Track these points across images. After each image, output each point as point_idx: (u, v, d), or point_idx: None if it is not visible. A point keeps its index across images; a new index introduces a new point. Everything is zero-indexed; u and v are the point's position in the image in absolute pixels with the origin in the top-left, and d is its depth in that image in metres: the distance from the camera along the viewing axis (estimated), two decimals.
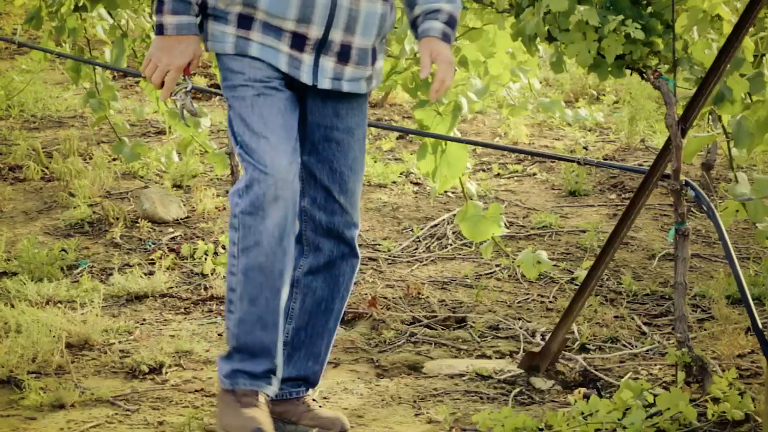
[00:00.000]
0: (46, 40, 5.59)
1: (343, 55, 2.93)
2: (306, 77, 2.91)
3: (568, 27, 3.18)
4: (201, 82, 7.56)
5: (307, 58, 2.90)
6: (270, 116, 2.89)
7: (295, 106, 2.95)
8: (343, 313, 3.17)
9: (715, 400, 3.07)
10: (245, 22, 2.88)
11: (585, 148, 6.31)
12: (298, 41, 2.88)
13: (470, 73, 3.93)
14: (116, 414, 3.26)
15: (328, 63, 2.92)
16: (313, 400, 3.16)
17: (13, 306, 3.97)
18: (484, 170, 5.95)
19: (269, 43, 2.88)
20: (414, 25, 3.03)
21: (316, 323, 3.11)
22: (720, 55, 3.02)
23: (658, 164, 3.20)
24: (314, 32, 2.88)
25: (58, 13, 5.31)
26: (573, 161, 3.81)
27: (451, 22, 2.98)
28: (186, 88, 2.90)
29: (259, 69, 2.88)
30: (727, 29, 3.13)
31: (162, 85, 2.88)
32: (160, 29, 2.87)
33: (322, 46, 2.90)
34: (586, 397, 3.25)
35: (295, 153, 2.90)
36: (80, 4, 5.21)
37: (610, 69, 3.18)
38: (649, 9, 3.15)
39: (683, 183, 3.11)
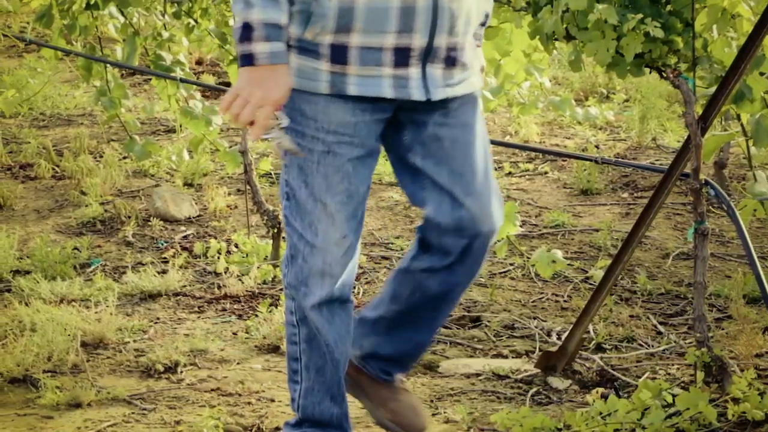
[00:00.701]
0: (57, 38, 5.58)
1: (450, 59, 2.65)
2: (417, 94, 2.62)
3: (586, 25, 3.16)
4: (210, 80, 7.55)
5: (414, 71, 2.61)
6: (334, 179, 2.62)
7: (366, 163, 2.68)
8: (457, 302, 2.93)
9: (735, 401, 3.06)
10: (340, 55, 2.57)
11: (597, 146, 6.30)
12: (402, 56, 2.59)
13: (486, 71, 3.91)
14: (133, 413, 3.25)
15: (436, 71, 2.64)
16: (402, 381, 2.99)
17: (27, 304, 3.96)
18: (495, 169, 5.93)
19: (370, 73, 2.58)
20: None
21: (421, 315, 2.89)
22: (740, 54, 3.00)
23: (677, 163, 3.19)
24: (418, 41, 2.59)
25: (70, 11, 5.30)
26: (591, 160, 3.80)
27: (485, 21, 2.79)
28: (281, 124, 2.56)
29: (335, 114, 2.61)
30: (747, 27, 3.11)
31: (251, 122, 2.52)
32: (248, 59, 2.50)
33: (427, 55, 2.61)
34: (604, 396, 3.25)
35: (351, 222, 2.67)
36: (92, 2, 5.20)
37: (629, 68, 3.16)
38: (669, 7, 3.14)
39: (703, 182, 3.09)
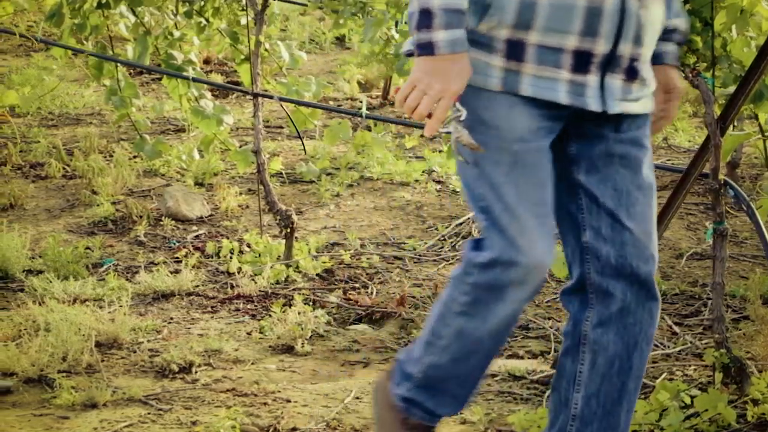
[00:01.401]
0: (67, 37, 5.57)
1: (632, 71, 2.45)
2: (594, 104, 2.42)
3: None
4: (218, 79, 7.54)
5: (592, 79, 2.41)
6: (528, 189, 2.42)
7: (550, 166, 2.48)
8: (643, 372, 2.57)
9: (755, 402, 3.05)
10: (516, 51, 2.39)
11: None
12: (582, 61, 2.39)
13: None
14: (149, 413, 3.24)
15: (615, 82, 2.44)
16: None
17: (41, 304, 3.95)
18: None
19: (546, 74, 2.39)
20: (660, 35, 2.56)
21: (610, 388, 2.54)
22: (760, 54, 2.99)
23: (696, 163, 3.18)
24: (601, 47, 2.39)
25: (81, 10, 5.30)
26: None
27: (682, 42, 2.60)
28: (460, 116, 2.38)
29: (518, 119, 2.41)
30: (766, 27, 3.10)
31: (429, 115, 2.35)
32: (428, 48, 2.33)
33: (608, 64, 2.42)
34: None
35: (551, 231, 2.47)
36: (103, 2, 5.20)
37: None
38: (688, 6, 3.12)
39: (722, 182, 3.08)
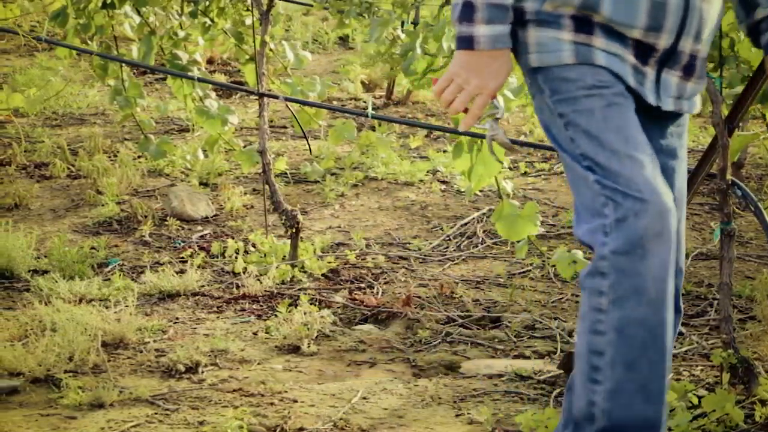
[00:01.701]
0: (72, 38, 5.58)
1: (689, 68, 2.41)
2: (651, 96, 2.38)
3: None
4: (221, 78, 7.54)
5: (650, 72, 2.38)
6: (629, 129, 2.32)
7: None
8: None
9: (763, 402, 3.04)
10: (584, 25, 2.33)
11: None
12: (643, 52, 2.36)
13: None
14: (156, 413, 3.24)
15: (672, 78, 2.40)
16: None
17: (46, 304, 3.95)
18: (510, 168, 5.92)
19: (614, 50, 2.34)
20: (755, 31, 2.49)
21: None
22: None
23: (704, 163, 3.17)
24: (663, 42, 2.35)
25: (85, 10, 5.30)
26: None
27: None
28: (497, 114, 2.35)
29: (602, 73, 2.33)
30: None
31: (464, 110, 2.31)
32: (468, 42, 2.29)
33: (667, 59, 2.38)
34: None
35: (659, 170, 2.34)
36: (108, 2, 5.20)
37: None
38: None
39: (730, 182, 3.08)
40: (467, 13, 2.29)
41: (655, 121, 2.44)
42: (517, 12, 2.36)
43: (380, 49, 4.47)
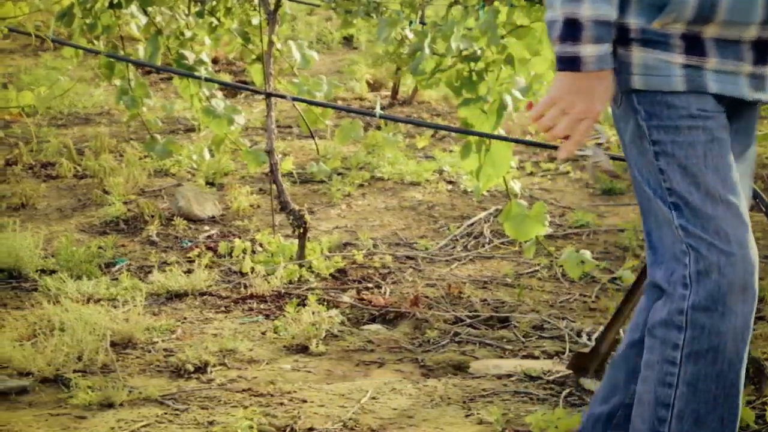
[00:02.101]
0: (78, 37, 5.57)
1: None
2: (766, 95, 2.27)
3: None
4: (226, 78, 7.54)
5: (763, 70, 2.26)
6: (727, 169, 2.17)
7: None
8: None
9: None
10: (695, 45, 2.19)
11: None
12: (761, 50, 2.22)
13: (516, 71, 3.90)
14: (165, 413, 3.24)
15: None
16: None
17: (55, 304, 3.95)
18: (517, 168, 5.92)
19: (729, 68, 2.21)
20: None
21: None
22: None
23: None
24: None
25: (92, 9, 5.30)
26: (618, 159, 3.78)
27: None
28: (599, 139, 2.32)
29: (708, 101, 2.20)
30: None
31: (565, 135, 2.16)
32: (573, 63, 2.14)
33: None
34: None
35: (747, 217, 2.22)
36: (115, 1, 5.20)
37: None
38: None
39: None
40: (571, 32, 2.14)
41: (736, 120, 2.31)
42: (620, 29, 2.22)
43: (389, 49, 4.46)
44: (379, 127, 6.16)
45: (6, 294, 4.19)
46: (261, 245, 4.66)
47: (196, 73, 5.09)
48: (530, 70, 3.98)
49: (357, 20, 4.77)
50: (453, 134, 6.24)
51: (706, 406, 2.21)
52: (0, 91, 6.07)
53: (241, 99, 7.30)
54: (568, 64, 2.16)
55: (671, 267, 2.20)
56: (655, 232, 2.26)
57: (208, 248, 4.70)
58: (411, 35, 4.35)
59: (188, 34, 5.27)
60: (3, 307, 4.05)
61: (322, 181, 5.61)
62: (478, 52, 3.83)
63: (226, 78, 7.61)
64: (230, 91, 7.22)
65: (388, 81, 7.59)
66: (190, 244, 4.78)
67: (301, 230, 4.49)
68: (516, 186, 4.09)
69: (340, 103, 7.07)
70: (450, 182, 5.67)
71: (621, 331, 3.80)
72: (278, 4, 4.77)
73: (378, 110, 4.50)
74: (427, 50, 3.98)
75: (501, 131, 3.92)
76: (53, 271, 4.39)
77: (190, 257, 4.60)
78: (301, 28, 8.94)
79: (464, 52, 3.82)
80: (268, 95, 4.73)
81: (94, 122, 6.73)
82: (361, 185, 5.59)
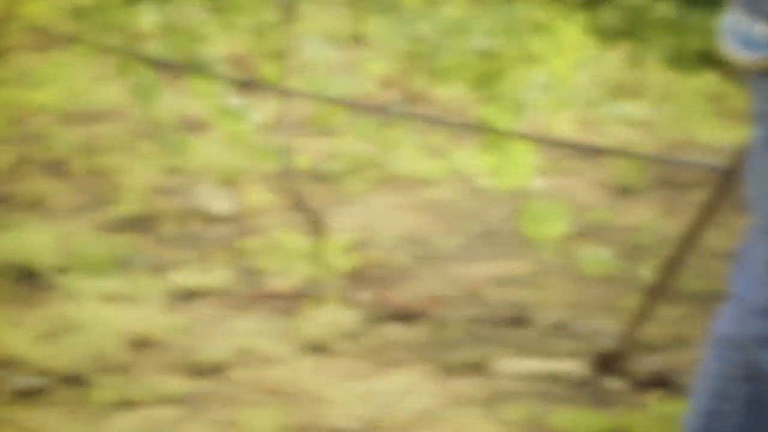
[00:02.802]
0: (91, 34, 5.56)
1: None
2: None
3: (647, 22, 3.12)
4: (240, 74, 7.51)
5: None
6: None
7: None
8: None
9: None
10: None
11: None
12: None
13: (536, 68, 3.88)
14: (186, 413, 3.22)
15: None
16: None
17: (70, 302, 3.93)
18: (536, 166, 5.88)
19: None
20: None
21: None
22: None
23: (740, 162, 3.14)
24: None
25: (106, 7, 5.28)
26: (640, 156, 3.76)
27: None
28: None
29: None
30: None
31: None
32: None
33: None
34: (663, 398, 3.21)
35: None
36: None
37: (691, 64, 3.12)
38: None
39: None
40: None
41: None
42: None
43: (405, 47, 4.45)
44: (394, 125, 6.13)
45: (22, 292, 4.17)
46: (278, 243, 4.63)
47: (211, 71, 5.08)
48: (551, 68, 3.96)
49: (369, 17, 4.75)
50: (470, 132, 6.20)
51: (761, 427, 2.07)
52: (13, 89, 6.07)
53: (255, 96, 7.27)
54: None
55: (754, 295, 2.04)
56: None
57: (224, 246, 4.68)
58: (427, 32, 4.34)
59: (203, 30, 5.26)
60: (20, 305, 4.03)
61: (338, 179, 5.59)
62: (498, 49, 3.82)
63: (240, 75, 7.58)
64: (245, 87, 7.19)
65: (401, 78, 7.56)
66: (205, 242, 4.76)
67: (317, 228, 4.47)
68: (535, 184, 4.06)
69: (354, 99, 7.04)
70: (467, 180, 5.64)
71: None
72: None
73: (394, 107, 4.48)
74: (444, 47, 3.96)
75: (520, 129, 3.90)
76: (68, 270, 4.36)
77: (206, 255, 4.57)
78: (313, 25, 8.92)
79: (484, 50, 3.80)
80: (283, 92, 4.71)
81: (107, 120, 6.70)
82: (377, 183, 5.56)
